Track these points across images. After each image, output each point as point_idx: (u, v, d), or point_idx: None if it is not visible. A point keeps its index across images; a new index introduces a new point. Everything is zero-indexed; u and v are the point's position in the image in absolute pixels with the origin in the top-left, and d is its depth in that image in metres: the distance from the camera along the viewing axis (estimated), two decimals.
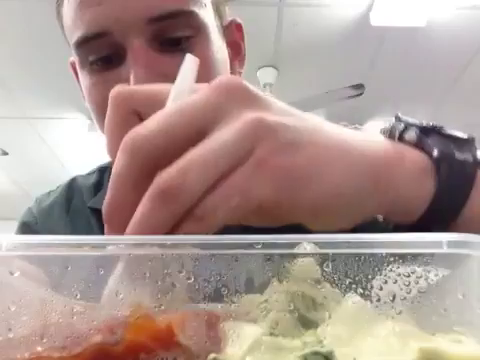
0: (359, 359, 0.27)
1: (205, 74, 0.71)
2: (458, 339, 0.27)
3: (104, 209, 0.34)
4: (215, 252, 0.30)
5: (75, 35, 0.66)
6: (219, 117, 0.33)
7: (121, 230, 0.33)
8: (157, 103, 0.36)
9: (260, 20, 2.85)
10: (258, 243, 0.30)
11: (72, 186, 0.85)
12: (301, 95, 2.99)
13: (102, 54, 0.66)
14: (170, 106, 0.35)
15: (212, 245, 0.30)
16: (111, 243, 0.30)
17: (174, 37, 0.65)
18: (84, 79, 0.70)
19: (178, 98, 0.36)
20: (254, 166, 0.33)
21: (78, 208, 0.81)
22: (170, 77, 0.68)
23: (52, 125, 3.72)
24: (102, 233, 0.77)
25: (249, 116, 0.33)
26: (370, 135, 0.41)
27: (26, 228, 0.81)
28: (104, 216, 0.34)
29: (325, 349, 0.27)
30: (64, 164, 4.32)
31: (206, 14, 0.68)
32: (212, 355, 0.28)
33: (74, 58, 0.71)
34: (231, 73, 0.74)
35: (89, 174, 0.86)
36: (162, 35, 0.65)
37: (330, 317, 0.30)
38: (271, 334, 0.29)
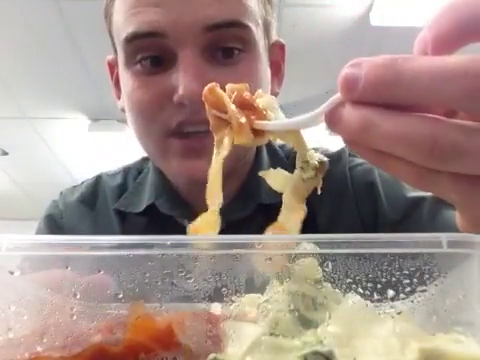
0: (359, 359, 0.27)
1: (250, 88, 0.69)
2: (458, 339, 0.27)
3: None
4: (215, 252, 0.30)
5: (127, 30, 0.64)
6: None
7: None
8: None
9: None
10: (258, 243, 0.30)
11: (98, 184, 0.84)
12: (301, 95, 2.99)
13: (152, 53, 0.64)
14: None
15: (212, 245, 0.30)
16: (111, 243, 0.30)
17: (227, 47, 0.65)
18: (127, 81, 0.68)
19: None
20: None
21: (102, 208, 0.80)
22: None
23: (52, 125, 3.71)
24: (122, 233, 0.74)
25: None
26: None
27: (52, 221, 0.80)
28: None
29: (325, 349, 0.27)
30: (64, 164, 4.33)
31: (259, 33, 0.68)
32: (212, 355, 0.28)
33: (119, 56, 0.69)
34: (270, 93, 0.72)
35: (114, 174, 0.86)
36: (215, 44, 0.64)
37: (330, 317, 0.30)
38: (271, 334, 0.29)
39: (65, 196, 0.84)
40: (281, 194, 0.67)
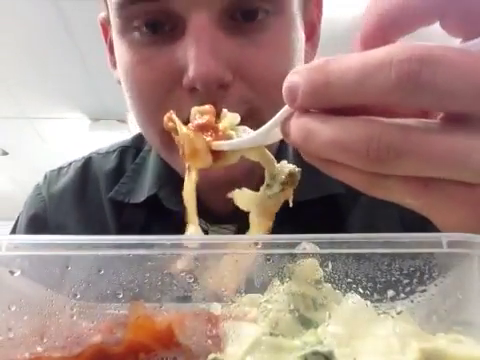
0: (359, 359, 0.27)
1: (279, 65, 0.51)
2: (458, 339, 0.27)
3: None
4: (215, 252, 0.30)
5: None
6: None
7: None
8: None
9: None
10: (258, 243, 0.30)
11: (88, 169, 0.71)
12: None
13: (153, 19, 0.50)
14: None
15: (212, 245, 0.30)
16: (111, 243, 0.30)
17: (250, 9, 0.50)
18: (123, 53, 0.53)
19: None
20: None
21: (93, 197, 0.68)
22: (238, 69, 0.50)
23: (52, 125, 3.72)
24: (118, 228, 0.65)
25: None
26: None
27: (35, 221, 0.69)
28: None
29: (325, 349, 0.27)
30: (61, 164, 4.32)
31: None
32: (212, 355, 0.28)
33: (112, 20, 0.55)
34: (305, 61, 0.59)
35: (108, 153, 0.72)
36: (237, 5, 0.49)
37: (330, 317, 0.30)
38: (271, 334, 0.29)
39: (50, 182, 0.72)
40: (308, 191, 0.58)
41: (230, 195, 0.36)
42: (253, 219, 0.36)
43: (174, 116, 0.37)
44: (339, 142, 0.26)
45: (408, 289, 0.30)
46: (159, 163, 0.65)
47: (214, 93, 0.49)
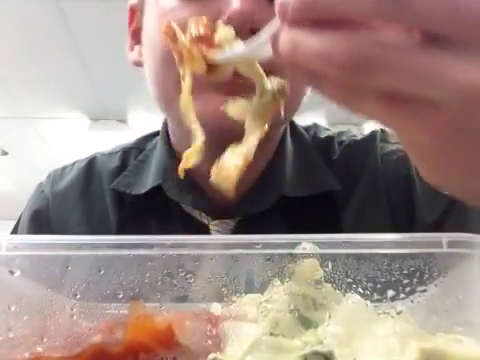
0: (359, 359, 0.27)
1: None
2: (458, 339, 0.27)
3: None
4: (215, 252, 0.30)
5: None
6: None
7: None
8: None
9: None
10: (258, 243, 0.30)
11: (92, 168, 0.73)
12: None
13: None
14: None
15: (212, 245, 0.30)
16: (111, 243, 0.30)
17: None
18: (160, 7, 0.58)
19: None
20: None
21: (96, 193, 0.70)
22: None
23: (52, 125, 3.71)
24: (119, 219, 0.67)
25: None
26: None
27: (37, 218, 0.70)
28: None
29: (325, 349, 0.27)
30: (64, 164, 4.32)
31: None
32: (212, 355, 0.28)
33: None
34: None
35: (111, 154, 0.74)
36: None
37: (330, 317, 0.30)
38: (271, 334, 0.29)
39: (53, 181, 0.74)
40: (307, 187, 0.61)
41: (222, 107, 0.38)
42: (248, 126, 0.38)
43: (173, 24, 0.40)
44: (323, 54, 0.28)
45: (408, 289, 0.30)
46: (164, 157, 0.66)
47: (245, 35, 0.51)
